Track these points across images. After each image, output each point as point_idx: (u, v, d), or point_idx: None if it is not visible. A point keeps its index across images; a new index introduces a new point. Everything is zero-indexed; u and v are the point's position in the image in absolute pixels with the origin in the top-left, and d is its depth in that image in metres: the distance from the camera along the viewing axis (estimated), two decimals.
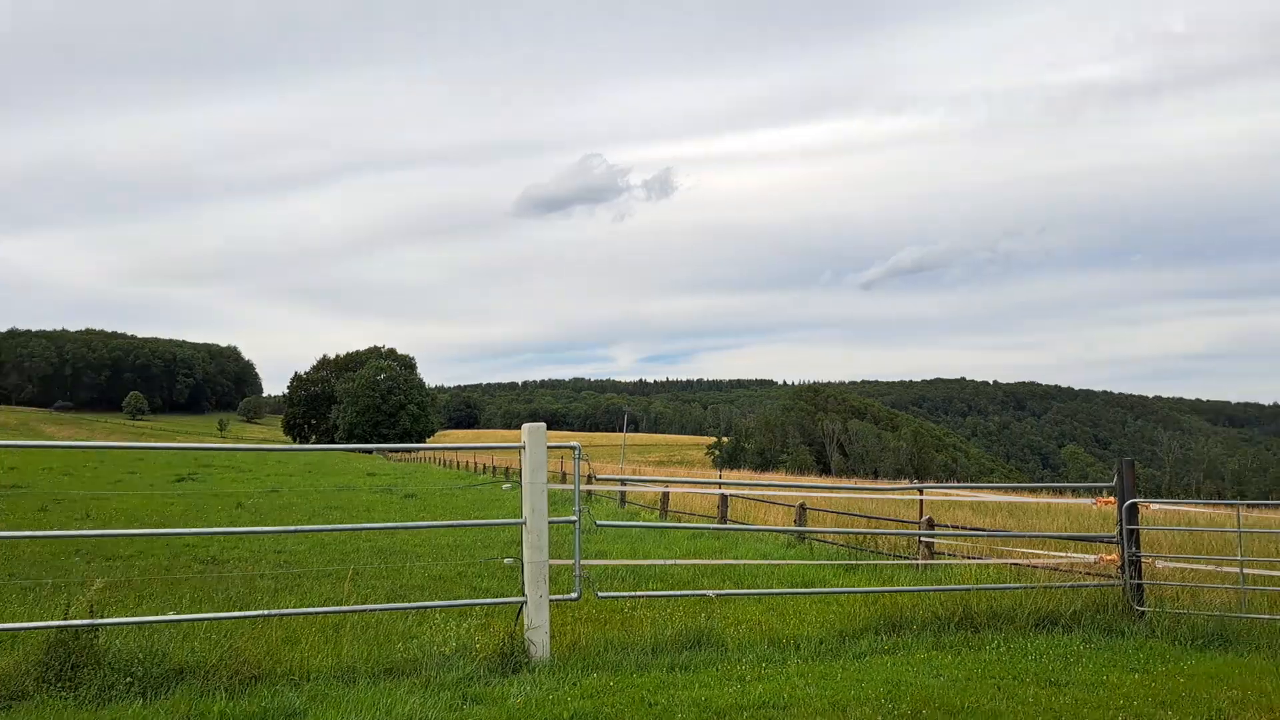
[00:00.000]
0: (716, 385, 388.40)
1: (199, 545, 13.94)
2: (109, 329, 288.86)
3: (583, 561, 7.85)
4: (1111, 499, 9.45)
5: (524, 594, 7.35)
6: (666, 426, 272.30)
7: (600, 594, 7.87)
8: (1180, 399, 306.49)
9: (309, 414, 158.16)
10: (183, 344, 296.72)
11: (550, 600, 7.37)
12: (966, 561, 12.17)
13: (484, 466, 56.78)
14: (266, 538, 15.44)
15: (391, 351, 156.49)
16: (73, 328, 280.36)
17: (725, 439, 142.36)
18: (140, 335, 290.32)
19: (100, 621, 5.80)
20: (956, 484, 66.99)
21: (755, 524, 21.07)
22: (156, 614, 8.54)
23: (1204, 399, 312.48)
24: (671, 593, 9.37)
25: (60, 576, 10.92)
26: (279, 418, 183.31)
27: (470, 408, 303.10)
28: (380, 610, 8.15)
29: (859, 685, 6.52)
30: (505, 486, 10.50)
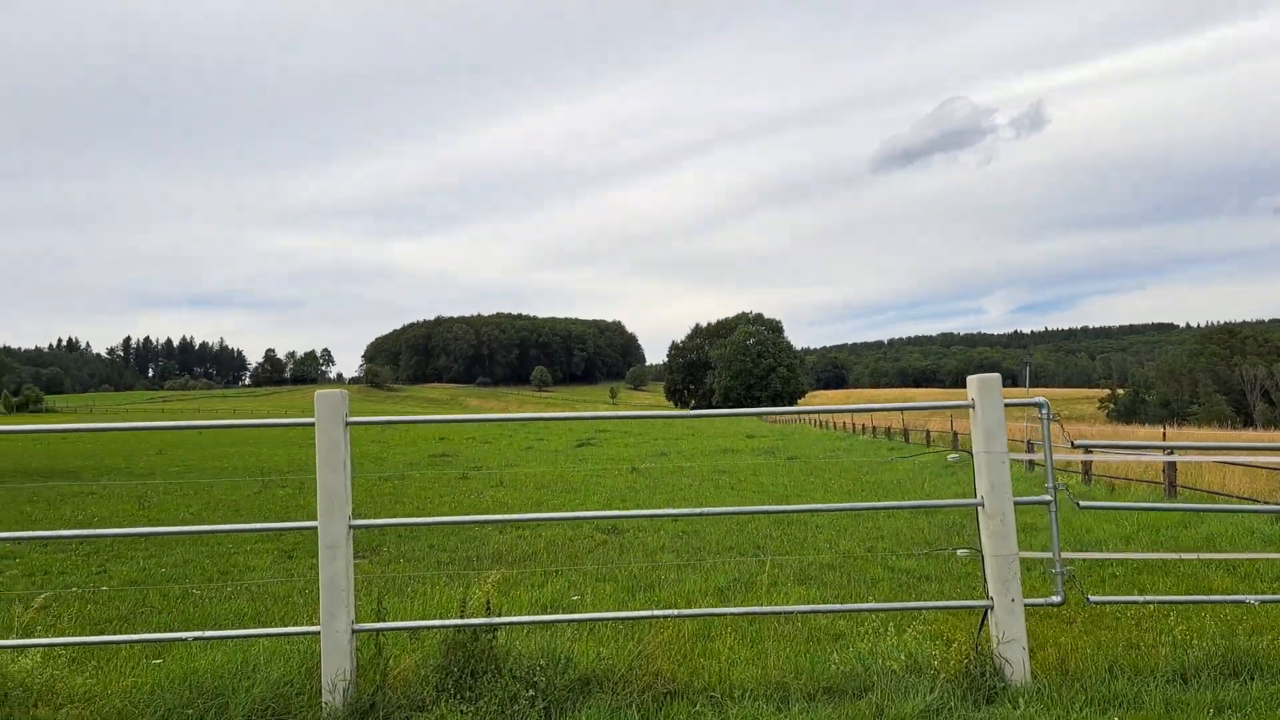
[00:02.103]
0: (1104, 332, 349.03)
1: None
2: (515, 312, 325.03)
3: (1064, 554, 5.94)
4: None
5: (988, 596, 5.63)
6: (1049, 380, 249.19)
7: (1092, 598, 5.92)
8: None
9: (687, 379, 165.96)
10: (576, 321, 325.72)
11: (1024, 605, 5.58)
12: None
13: (861, 427, 54.68)
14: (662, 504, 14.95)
15: (759, 316, 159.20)
16: (486, 313, 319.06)
17: (1120, 391, 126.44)
18: (540, 316, 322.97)
19: (499, 620, 5.01)
20: None
21: (1215, 489, 17.15)
22: (562, 592, 8.02)
23: None
24: (1197, 598, 7.03)
25: (474, 547, 11.03)
26: (661, 384, 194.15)
27: (837, 368, 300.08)
28: (819, 612, 6.82)
29: None
30: (951, 458, 8.46)
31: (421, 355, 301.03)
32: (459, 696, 4.74)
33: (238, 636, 4.96)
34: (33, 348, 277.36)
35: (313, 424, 4.94)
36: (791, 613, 6.32)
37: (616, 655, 5.19)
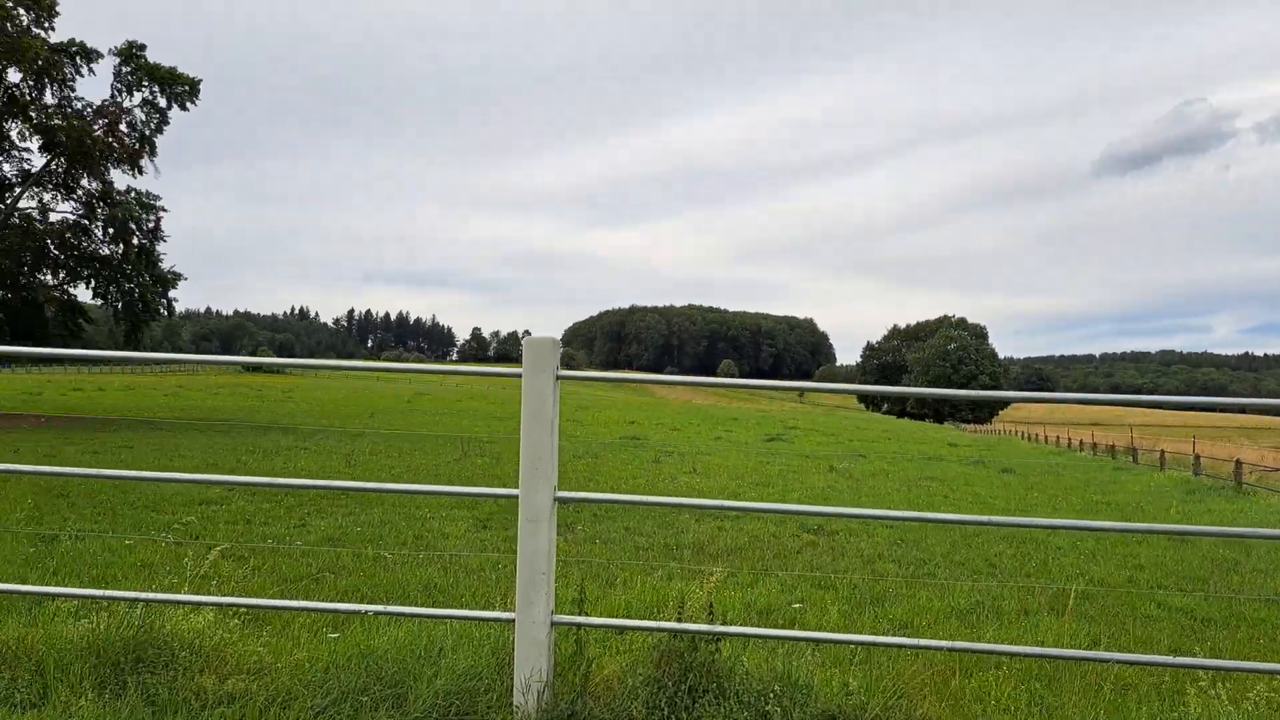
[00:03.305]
0: None
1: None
2: (706, 304, 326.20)
3: None
4: None
5: None
6: None
7: None
8: None
9: (881, 382, 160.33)
10: (766, 317, 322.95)
11: None
12: None
13: (1080, 443, 50.30)
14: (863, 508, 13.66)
15: (962, 321, 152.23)
16: (678, 303, 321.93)
17: None
18: (731, 310, 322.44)
19: (726, 630, 4.07)
20: None
21: None
22: (776, 597, 7.04)
23: None
24: None
25: (671, 534, 10.23)
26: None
27: (1042, 380, 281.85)
28: (1141, 663, 5.47)
29: None
30: None
31: (614, 342, 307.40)
32: (674, 718, 3.85)
33: (422, 615, 4.30)
34: (270, 314, 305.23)
35: (519, 375, 4.18)
36: (1103, 660, 4.98)
37: (869, 688, 4.14)
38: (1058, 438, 58.54)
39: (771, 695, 4.03)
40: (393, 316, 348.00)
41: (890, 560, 9.66)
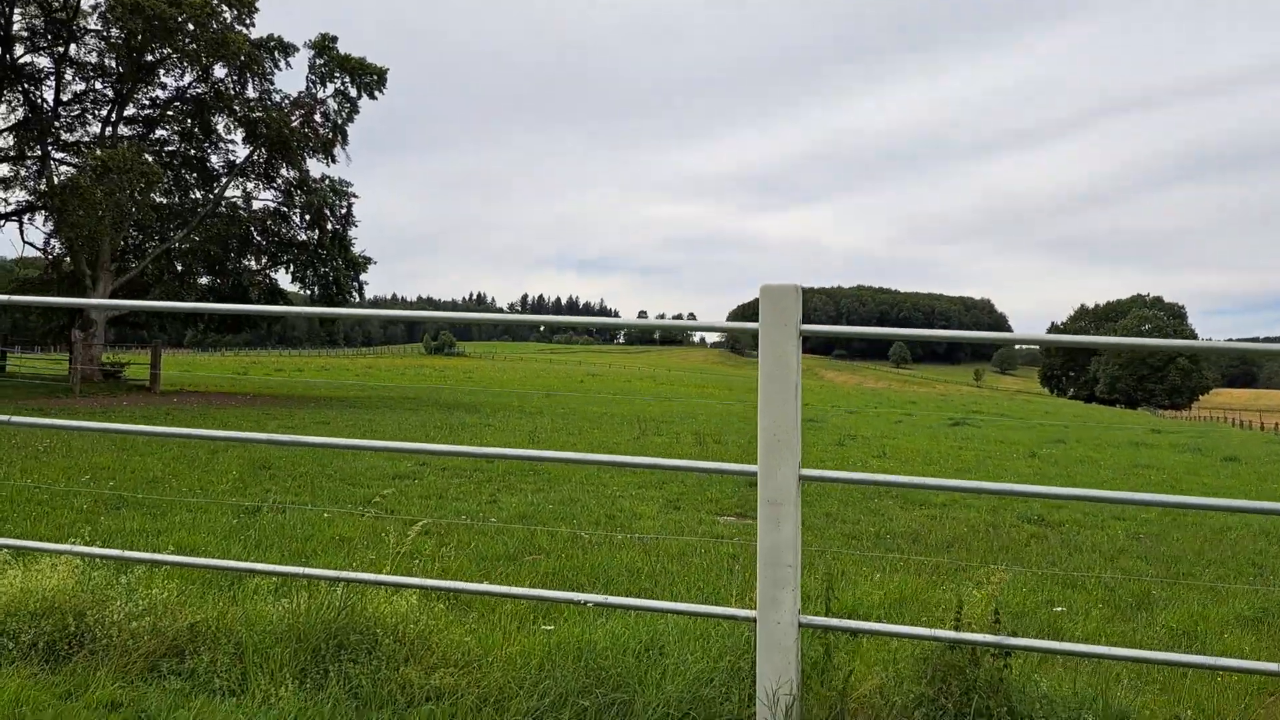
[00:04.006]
0: None
1: (1015, 502, 11.44)
2: (875, 285, 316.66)
3: None
4: None
5: None
6: None
7: None
8: None
9: (1067, 365, 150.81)
10: (940, 297, 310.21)
11: None
12: None
13: None
14: (1074, 502, 12.28)
15: (1157, 300, 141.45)
16: (846, 285, 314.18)
17: None
18: (902, 290, 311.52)
19: (1016, 642, 3.30)
20: None
21: None
22: (1023, 596, 6.12)
23: None
24: None
25: (880, 522, 9.38)
26: (1034, 369, 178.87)
27: (1246, 364, 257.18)
28: None
29: None
30: None
31: None
32: None
33: (651, 609, 3.74)
34: (449, 299, 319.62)
35: (756, 329, 3.55)
36: None
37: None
38: (1275, 425, 52.91)
39: None
40: (563, 300, 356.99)
41: (1136, 556, 8.46)
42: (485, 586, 4.03)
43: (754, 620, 3.48)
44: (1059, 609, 5.63)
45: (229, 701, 3.40)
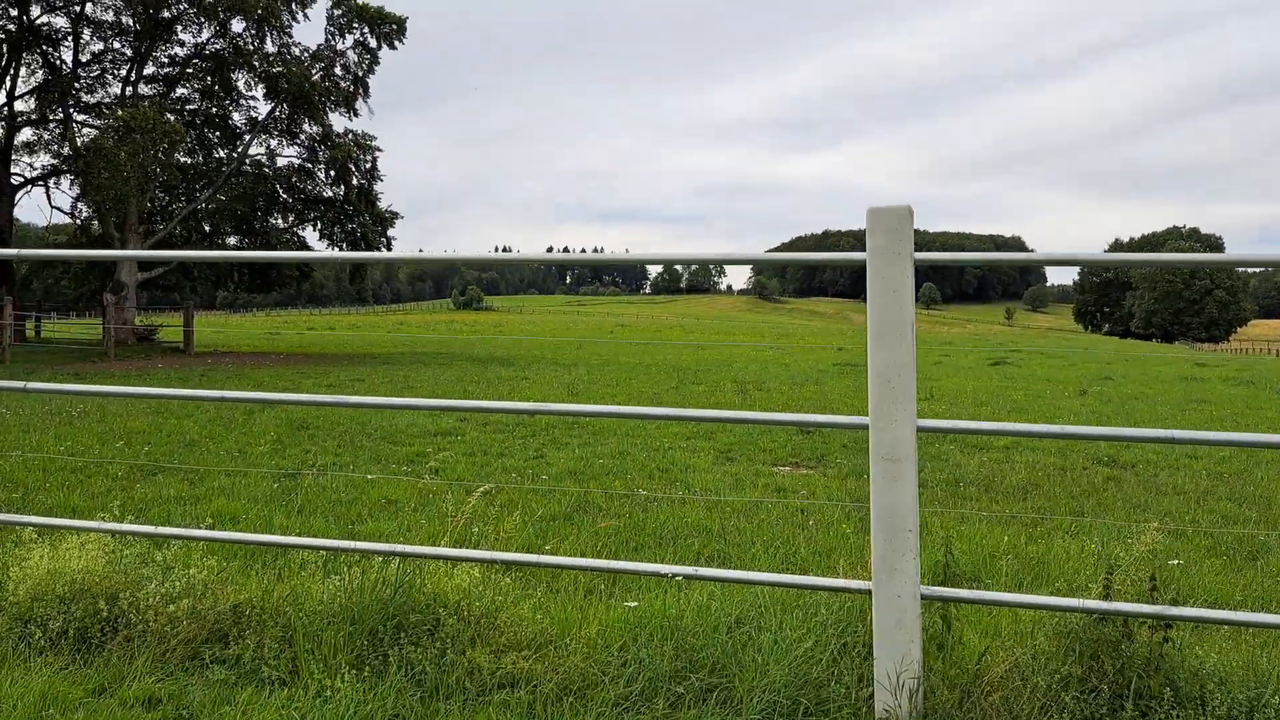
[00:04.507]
0: None
1: (1081, 443, 10.92)
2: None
3: None
4: None
5: None
6: None
7: None
8: None
9: (1101, 301, 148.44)
10: (968, 236, 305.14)
11: None
12: None
13: None
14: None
15: (1194, 232, 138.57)
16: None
17: None
18: (931, 230, 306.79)
19: (1171, 611, 2.84)
20: None
21: None
22: (1115, 548, 5.66)
23: None
24: None
25: (939, 468, 8.91)
26: (1067, 306, 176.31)
27: None
28: None
29: None
30: None
31: (809, 269, 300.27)
32: None
33: (748, 581, 3.31)
34: (476, 255, 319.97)
35: (864, 260, 3.07)
36: None
37: None
38: None
39: (1240, 704, 2.79)
40: (589, 252, 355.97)
41: (1223, 498, 7.95)
42: (558, 559, 3.62)
43: (869, 592, 3.06)
44: (1175, 561, 5.16)
45: (280, 694, 3.04)
